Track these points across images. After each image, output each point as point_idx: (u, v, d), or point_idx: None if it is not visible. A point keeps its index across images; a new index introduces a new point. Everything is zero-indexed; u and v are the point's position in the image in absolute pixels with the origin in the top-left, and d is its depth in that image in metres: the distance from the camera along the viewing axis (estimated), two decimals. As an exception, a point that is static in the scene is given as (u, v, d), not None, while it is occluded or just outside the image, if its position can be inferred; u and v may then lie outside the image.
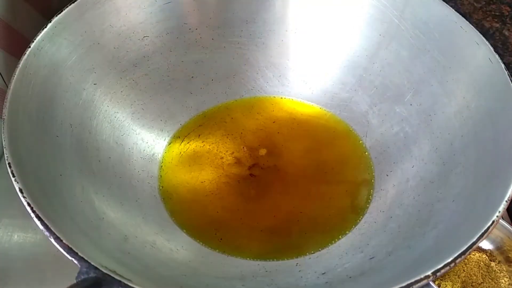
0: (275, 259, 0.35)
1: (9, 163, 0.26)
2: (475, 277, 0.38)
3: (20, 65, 0.31)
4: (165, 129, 0.42)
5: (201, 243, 0.36)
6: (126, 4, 0.38)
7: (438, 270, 0.23)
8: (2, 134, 0.27)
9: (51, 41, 0.33)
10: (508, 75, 0.31)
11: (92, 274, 0.22)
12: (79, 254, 0.23)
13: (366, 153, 0.41)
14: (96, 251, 0.26)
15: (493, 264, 0.39)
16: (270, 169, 0.41)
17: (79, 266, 0.23)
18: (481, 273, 0.38)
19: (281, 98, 0.45)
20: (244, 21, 0.42)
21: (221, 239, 0.36)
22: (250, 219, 0.38)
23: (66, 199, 0.29)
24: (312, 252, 0.35)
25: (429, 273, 0.23)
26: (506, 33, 0.45)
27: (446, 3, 0.35)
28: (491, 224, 0.24)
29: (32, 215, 0.24)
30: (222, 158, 0.41)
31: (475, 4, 0.46)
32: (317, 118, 0.44)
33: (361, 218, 0.37)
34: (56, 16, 0.34)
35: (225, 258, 0.35)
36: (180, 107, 0.43)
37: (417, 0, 0.37)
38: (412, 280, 0.22)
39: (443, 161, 0.34)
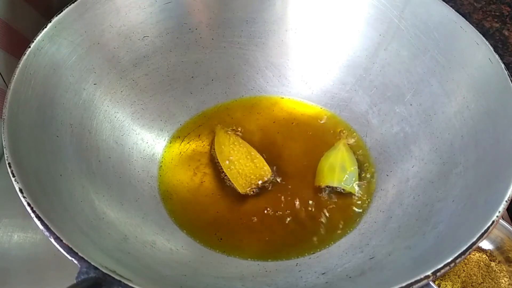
0: (275, 259, 0.35)
1: (9, 163, 0.26)
2: (475, 277, 0.38)
3: (20, 65, 0.31)
4: (165, 129, 0.42)
5: (201, 243, 0.36)
6: (126, 4, 0.38)
7: (438, 270, 0.23)
8: (2, 134, 0.27)
9: (51, 41, 0.33)
10: (508, 75, 0.31)
11: (92, 274, 0.22)
12: (79, 254, 0.23)
13: (367, 153, 0.41)
14: (96, 251, 0.26)
15: (493, 264, 0.39)
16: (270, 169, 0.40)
17: (79, 266, 0.23)
18: (481, 273, 0.38)
19: (281, 98, 0.45)
20: (244, 21, 0.42)
21: (221, 239, 0.36)
22: (250, 219, 0.38)
23: (66, 199, 0.29)
24: (312, 252, 0.35)
25: (429, 273, 0.23)
26: (506, 33, 0.45)
27: (446, 3, 0.35)
28: (491, 224, 0.24)
29: (32, 215, 0.24)
30: (222, 158, 0.41)
31: (475, 4, 0.46)
32: (317, 118, 0.44)
33: (361, 218, 0.37)
34: (56, 16, 0.34)
35: (225, 258, 0.35)
36: (180, 107, 0.43)
37: (417, 0, 0.37)
38: (412, 280, 0.22)
39: (443, 161, 0.34)
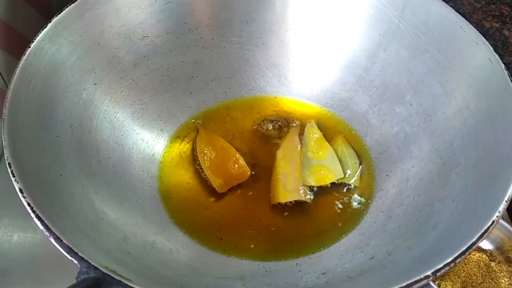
0: (275, 259, 0.35)
1: (9, 163, 0.26)
2: (475, 277, 0.38)
3: (20, 65, 0.31)
4: (165, 129, 0.42)
5: (201, 243, 0.36)
6: (126, 4, 0.38)
7: (438, 270, 0.23)
8: (2, 134, 0.27)
9: (51, 41, 0.33)
10: (508, 75, 0.31)
11: (92, 274, 0.22)
12: (79, 254, 0.23)
13: (367, 153, 0.41)
14: (96, 251, 0.26)
15: (493, 264, 0.39)
16: (271, 169, 0.40)
17: (79, 266, 0.23)
18: (481, 273, 0.38)
19: (281, 98, 0.45)
20: (244, 21, 0.42)
21: (221, 239, 0.36)
22: (250, 219, 0.37)
23: (66, 199, 0.29)
24: (312, 252, 0.35)
25: (429, 273, 0.23)
26: (506, 33, 0.45)
27: (446, 3, 0.35)
28: (491, 224, 0.24)
29: (32, 215, 0.24)
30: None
31: (475, 4, 0.46)
32: (317, 118, 0.44)
33: (361, 218, 0.37)
34: (56, 16, 0.34)
35: (225, 258, 0.35)
36: (180, 107, 0.43)
37: (417, 0, 0.37)
38: (412, 280, 0.22)
39: (443, 161, 0.34)
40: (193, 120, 0.43)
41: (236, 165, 0.40)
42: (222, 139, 0.42)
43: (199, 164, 0.40)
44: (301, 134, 0.42)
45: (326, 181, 0.39)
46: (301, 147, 0.41)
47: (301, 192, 0.38)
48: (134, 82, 0.40)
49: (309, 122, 0.43)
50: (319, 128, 0.43)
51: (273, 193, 0.39)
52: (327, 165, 0.40)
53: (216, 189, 0.39)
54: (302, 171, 0.39)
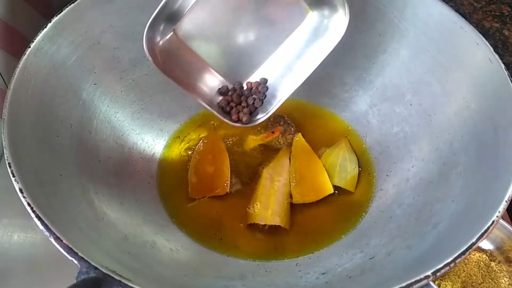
0: (275, 259, 0.35)
1: (9, 163, 0.26)
2: (475, 277, 0.38)
3: (20, 65, 0.31)
4: (165, 129, 0.42)
5: (201, 243, 0.36)
6: (126, 4, 0.38)
7: (438, 270, 0.23)
8: (2, 134, 0.27)
9: (51, 41, 0.33)
10: (508, 75, 0.31)
11: (92, 274, 0.22)
12: (79, 254, 0.23)
13: (367, 153, 0.41)
14: (96, 251, 0.26)
15: (493, 264, 0.39)
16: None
17: (79, 266, 0.23)
18: (481, 273, 0.38)
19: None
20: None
21: (221, 239, 0.36)
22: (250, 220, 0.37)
23: (66, 199, 0.29)
24: (312, 252, 0.35)
25: (429, 273, 0.23)
26: (506, 33, 0.45)
27: (446, 3, 0.35)
28: (491, 224, 0.24)
29: (32, 215, 0.24)
30: (222, 158, 0.41)
31: (475, 4, 0.46)
32: (317, 118, 0.44)
33: (361, 218, 0.37)
34: (56, 16, 0.34)
35: (225, 258, 0.35)
36: (180, 107, 0.43)
37: (417, 0, 0.37)
38: (412, 280, 0.23)
39: (443, 161, 0.34)
40: (212, 122, 0.44)
41: (219, 179, 0.39)
42: (225, 148, 0.41)
43: (190, 158, 0.40)
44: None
45: (315, 198, 0.38)
46: (290, 165, 0.40)
47: (277, 216, 0.37)
48: (134, 82, 0.40)
49: (296, 135, 0.42)
50: (317, 129, 0.43)
51: (251, 212, 0.37)
52: (316, 181, 0.39)
53: (189, 190, 0.39)
54: (290, 189, 0.39)
